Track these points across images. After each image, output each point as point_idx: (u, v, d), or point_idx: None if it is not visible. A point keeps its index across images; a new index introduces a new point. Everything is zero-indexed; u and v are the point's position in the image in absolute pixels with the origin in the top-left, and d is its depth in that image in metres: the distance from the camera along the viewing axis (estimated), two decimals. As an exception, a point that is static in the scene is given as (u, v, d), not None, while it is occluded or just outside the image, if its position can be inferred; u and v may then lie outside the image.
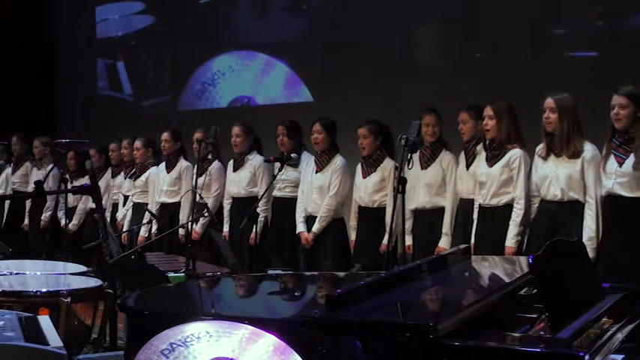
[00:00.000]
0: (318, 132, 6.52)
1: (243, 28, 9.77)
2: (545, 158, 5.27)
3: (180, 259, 5.86)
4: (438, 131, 6.03)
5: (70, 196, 8.56)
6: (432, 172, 5.98)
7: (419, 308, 3.17)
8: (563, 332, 2.66)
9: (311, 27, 9.20)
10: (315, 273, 5.20)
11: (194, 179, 6.75)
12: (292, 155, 6.33)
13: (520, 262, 3.99)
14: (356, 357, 2.66)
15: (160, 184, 7.72)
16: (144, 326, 3.06)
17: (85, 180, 8.16)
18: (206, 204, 6.66)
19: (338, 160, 6.49)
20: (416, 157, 5.78)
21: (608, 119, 4.98)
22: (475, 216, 5.62)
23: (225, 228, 7.14)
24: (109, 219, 8.11)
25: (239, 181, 7.10)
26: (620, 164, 4.92)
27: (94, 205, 7.24)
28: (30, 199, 9.08)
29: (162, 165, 7.80)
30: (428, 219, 5.99)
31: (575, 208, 5.13)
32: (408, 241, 5.98)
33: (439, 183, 5.97)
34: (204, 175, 7.25)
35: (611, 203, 5.00)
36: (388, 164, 6.21)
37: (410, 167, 5.26)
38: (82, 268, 5.35)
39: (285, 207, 6.78)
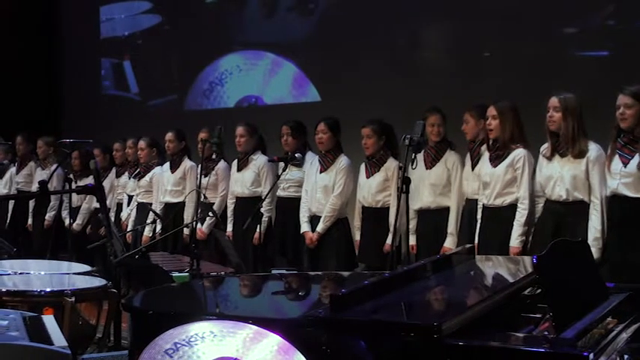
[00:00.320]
0: (322, 132, 6.52)
1: (251, 28, 9.75)
2: (549, 158, 5.26)
3: (185, 258, 5.86)
4: (442, 131, 6.03)
5: (74, 196, 8.57)
6: (437, 172, 5.98)
7: (423, 308, 3.17)
8: (568, 332, 2.65)
9: (319, 26, 9.17)
10: (320, 273, 5.20)
11: (198, 179, 6.75)
12: (296, 155, 6.32)
13: (524, 262, 3.99)
14: (360, 357, 2.66)
15: (164, 184, 7.72)
16: (148, 326, 3.07)
17: (89, 180, 8.18)
18: (211, 204, 6.67)
19: (342, 160, 6.49)
20: (420, 157, 5.77)
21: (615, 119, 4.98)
22: (479, 216, 5.62)
23: (229, 228, 7.15)
24: (113, 219, 8.12)
25: (243, 181, 7.10)
26: (625, 164, 4.91)
27: (98, 205, 7.25)
28: (34, 199, 9.09)
29: (167, 165, 7.81)
30: (432, 219, 6.00)
31: (580, 209, 5.12)
32: (412, 241, 5.99)
33: (444, 183, 5.97)
34: (210, 175, 7.25)
35: (616, 203, 4.99)
36: (392, 164, 6.21)
37: (414, 167, 5.26)
38: (87, 268, 5.36)
39: (289, 207, 6.78)
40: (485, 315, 2.86)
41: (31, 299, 4.26)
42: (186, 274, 5.23)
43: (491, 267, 4.11)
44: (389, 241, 5.99)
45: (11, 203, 9.40)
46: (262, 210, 6.59)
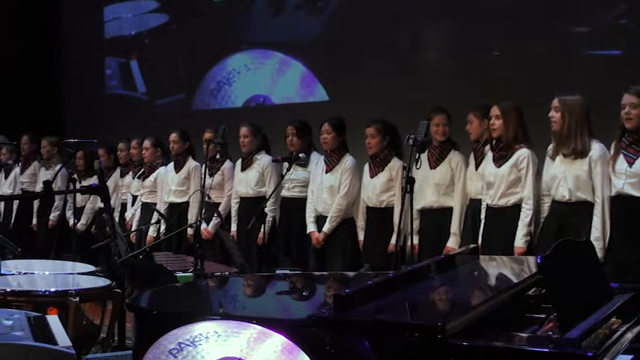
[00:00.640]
0: (327, 132, 6.52)
1: (259, 27, 9.72)
2: (553, 158, 5.26)
3: (189, 258, 5.87)
4: (447, 131, 6.03)
5: (79, 196, 8.57)
6: (441, 172, 5.98)
7: (427, 308, 3.17)
8: (572, 332, 2.65)
9: (327, 25, 9.13)
10: (324, 273, 5.20)
11: (203, 179, 6.75)
12: (300, 155, 6.32)
13: (528, 262, 3.98)
14: (364, 357, 2.66)
15: (169, 184, 7.73)
16: (152, 326, 3.07)
17: (93, 180, 8.17)
18: (217, 204, 6.67)
19: (348, 160, 6.49)
20: (424, 156, 5.77)
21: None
22: (482, 216, 5.62)
23: (233, 227, 7.15)
24: (117, 219, 8.12)
25: (247, 181, 7.10)
26: (630, 164, 4.90)
27: (102, 205, 7.25)
28: (38, 199, 9.09)
29: (171, 165, 7.81)
30: (435, 218, 5.99)
31: (584, 209, 5.11)
32: (414, 240, 5.98)
33: (447, 183, 5.97)
34: (216, 175, 7.26)
35: (620, 203, 4.98)
36: (395, 164, 6.21)
37: (418, 167, 5.26)
38: (91, 268, 5.37)
39: (293, 207, 6.78)
40: (489, 315, 2.86)
41: (36, 299, 4.27)
42: (190, 274, 5.23)
43: (495, 267, 4.11)
44: (393, 241, 5.99)
45: (16, 203, 9.40)
46: (266, 210, 6.60)
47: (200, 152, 7.62)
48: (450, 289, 3.52)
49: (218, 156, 7.27)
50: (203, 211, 6.46)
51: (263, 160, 7.08)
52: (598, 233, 5.01)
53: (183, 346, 2.49)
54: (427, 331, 2.60)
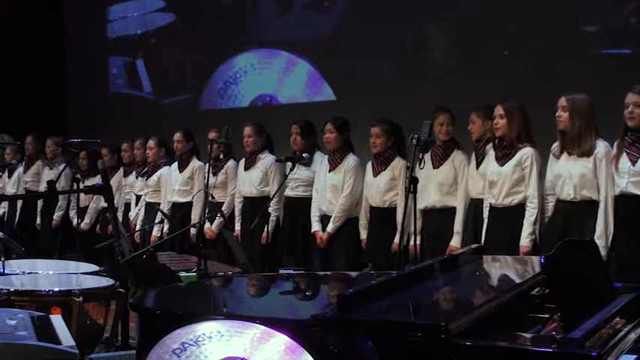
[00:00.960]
0: (329, 131, 6.52)
1: (266, 26, 9.71)
2: (558, 157, 5.25)
3: (192, 258, 5.87)
4: (451, 130, 6.03)
5: (82, 196, 8.59)
6: (445, 171, 5.97)
7: (430, 308, 3.17)
8: (576, 332, 2.65)
9: (334, 25, 9.09)
10: (327, 273, 5.20)
11: (206, 179, 6.76)
12: (304, 155, 6.32)
13: (532, 262, 3.98)
14: (367, 357, 2.66)
15: (173, 184, 7.73)
16: (156, 325, 3.07)
17: (96, 179, 8.18)
18: (220, 203, 6.67)
19: (350, 160, 6.49)
20: (427, 156, 5.76)
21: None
22: (485, 215, 5.61)
23: (237, 227, 7.15)
24: (120, 218, 8.13)
25: (251, 181, 7.11)
26: (634, 163, 4.90)
27: (106, 205, 7.26)
28: (42, 199, 9.11)
29: (175, 165, 7.81)
30: (438, 218, 5.98)
31: (589, 208, 5.10)
32: (417, 240, 5.96)
33: (451, 182, 5.96)
34: (219, 174, 7.25)
35: (624, 202, 4.98)
36: (398, 163, 6.21)
37: (421, 167, 5.26)
38: (94, 268, 5.37)
39: (297, 206, 6.78)
40: (492, 315, 2.86)
41: (39, 299, 4.27)
42: (194, 273, 5.24)
43: (499, 267, 4.11)
44: (396, 240, 5.99)
45: (19, 203, 9.42)
46: (270, 210, 6.60)
47: (205, 152, 7.62)
48: (453, 289, 3.52)
49: (222, 156, 7.27)
50: (206, 210, 6.47)
51: (266, 159, 7.08)
52: (601, 232, 5.01)
53: (186, 345, 2.49)
54: (431, 330, 2.59)
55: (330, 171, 6.52)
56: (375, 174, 6.29)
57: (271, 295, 4.00)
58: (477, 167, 5.77)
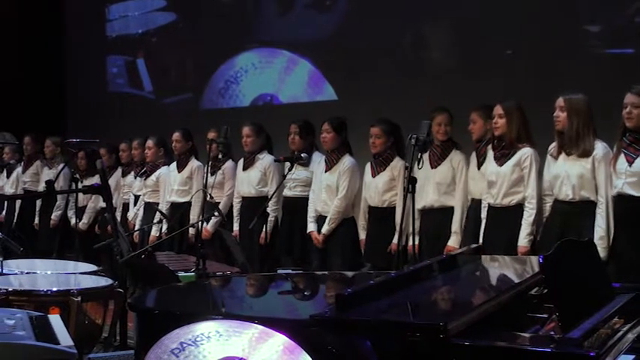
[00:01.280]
0: (326, 131, 6.52)
1: (267, 25, 9.70)
2: (556, 157, 5.25)
3: (191, 258, 5.86)
4: (449, 131, 6.03)
5: (81, 195, 8.57)
6: (443, 171, 5.97)
7: (429, 308, 3.17)
8: (574, 332, 2.65)
9: (335, 24, 9.08)
10: (325, 273, 5.20)
11: (205, 179, 6.76)
12: (302, 155, 6.32)
13: (531, 261, 3.98)
14: (366, 357, 2.66)
15: (171, 184, 7.73)
16: (154, 325, 3.07)
17: (95, 179, 8.18)
18: (217, 203, 6.67)
19: (346, 161, 6.48)
20: (426, 156, 5.76)
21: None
22: (484, 215, 5.61)
23: (235, 227, 7.15)
24: (119, 218, 8.13)
25: (249, 181, 7.10)
26: (630, 163, 4.90)
27: (104, 205, 7.26)
28: (41, 199, 9.10)
29: (174, 165, 7.81)
30: (436, 218, 5.98)
31: (587, 208, 5.10)
32: (416, 240, 5.96)
33: (449, 182, 5.96)
34: (217, 174, 7.25)
35: (621, 203, 4.98)
36: (397, 163, 6.21)
37: (420, 167, 5.26)
38: (93, 268, 5.37)
39: (295, 206, 6.78)
40: (491, 315, 2.86)
41: (38, 299, 4.28)
42: (192, 273, 5.24)
43: (497, 267, 4.11)
44: (395, 240, 5.99)
45: (18, 203, 9.41)
46: (268, 210, 6.59)
47: (205, 152, 7.61)
48: (452, 289, 3.52)
49: (220, 155, 7.27)
50: (205, 210, 6.47)
51: (265, 159, 7.08)
52: (602, 232, 5.01)
53: (185, 345, 2.49)
54: (429, 330, 2.59)
55: (326, 171, 6.52)
56: (374, 174, 6.28)
57: (270, 295, 4.00)
58: (479, 168, 5.76)
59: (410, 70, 8.31)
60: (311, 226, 6.55)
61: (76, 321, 4.23)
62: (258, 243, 6.81)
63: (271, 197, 6.68)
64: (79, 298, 4.28)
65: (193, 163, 7.69)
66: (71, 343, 2.68)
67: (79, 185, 7.67)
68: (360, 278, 4.28)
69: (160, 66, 11.01)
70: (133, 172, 8.44)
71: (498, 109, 5.50)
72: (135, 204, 8.29)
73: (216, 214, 6.23)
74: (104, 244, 5.54)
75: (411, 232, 5.59)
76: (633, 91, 4.92)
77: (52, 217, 9.04)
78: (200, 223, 6.46)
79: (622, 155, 4.96)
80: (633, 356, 2.78)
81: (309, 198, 6.68)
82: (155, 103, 11.05)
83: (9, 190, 9.55)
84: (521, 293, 3.24)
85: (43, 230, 9.12)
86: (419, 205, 5.90)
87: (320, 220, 6.51)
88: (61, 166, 8.36)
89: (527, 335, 2.78)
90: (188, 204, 7.52)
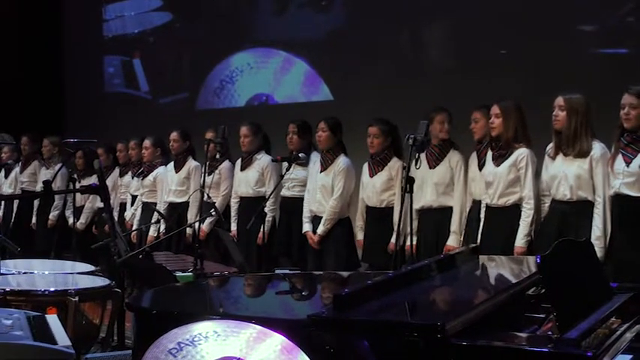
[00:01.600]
0: (322, 130, 6.52)
1: (263, 25, 9.70)
2: (554, 157, 5.25)
3: (188, 258, 5.86)
4: (450, 129, 6.01)
5: (78, 195, 8.58)
6: (441, 171, 5.96)
7: (427, 308, 3.17)
8: (572, 332, 2.65)
9: (331, 24, 9.08)
10: (323, 273, 5.20)
11: (202, 179, 6.76)
12: (300, 155, 6.32)
13: (528, 261, 3.98)
14: (363, 356, 2.66)
15: (169, 184, 7.73)
16: (152, 325, 3.07)
17: (93, 179, 8.17)
18: (214, 203, 6.66)
19: (341, 162, 6.47)
20: (423, 156, 5.76)
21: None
22: (482, 215, 5.61)
23: (233, 227, 7.15)
24: (116, 218, 8.12)
25: (247, 181, 7.10)
26: (628, 164, 4.91)
27: (102, 205, 7.25)
28: (38, 199, 9.09)
29: (171, 165, 7.80)
30: (434, 218, 5.97)
31: (584, 208, 5.11)
32: (414, 240, 5.95)
33: (447, 182, 5.95)
34: (213, 174, 7.25)
35: (618, 203, 4.99)
36: (395, 164, 6.21)
37: (418, 167, 5.25)
38: (90, 268, 5.36)
39: (293, 206, 6.78)
40: (489, 315, 2.86)
41: (35, 299, 4.27)
42: (190, 273, 5.24)
43: (495, 267, 4.11)
44: (393, 240, 5.99)
45: (16, 203, 9.40)
46: (266, 210, 6.60)
47: (202, 152, 7.61)
48: (449, 289, 3.52)
49: (218, 156, 7.26)
50: (202, 210, 6.46)
51: (263, 159, 7.08)
52: (599, 232, 5.01)
53: (182, 345, 2.49)
54: (427, 330, 2.59)
55: (321, 171, 6.52)
56: (372, 174, 6.28)
57: (267, 295, 4.00)
58: (480, 169, 5.74)
59: (406, 70, 8.31)
60: (306, 227, 6.55)
61: (73, 321, 4.22)
62: (255, 243, 6.82)
63: (269, 197, 6.68)
64: (77, 298, 4.27)
65: (191, 163, 7.69)
66: (69, 343, 2.67)
67: (77, 185, 7.68)
68: (358, 278, 4.28)
69: (156, 66, 11.01)
70: (130, 172, 8.43)
71: (495, 109, 5.50)
72: (132, 204, 8.29)
73: (213, 213, 6.22)
74: (102, 244, 5.53)
75: (409, 232, 5.59)
76: (631, 92, 4.92)
77: (50, 217, 9.03)
78: (198, 223, 6.46)
79: (620, 155, 4.96)
80: (631, 356, 2.78)
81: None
82: (151, 103, 11.05)
83: (7, 190, 9.54)
84: (518, 293, 3.24)
85: (41, 230, 9.11)
86: (417, 205, 5.90)
87: (315, 220, 6.51)
88: (59, 166, 8.35)
89: (524, 335, 2.78)
90: (186, 204, 7.52)
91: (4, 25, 11.39)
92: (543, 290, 3.16)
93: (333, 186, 6.43)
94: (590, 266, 3.30)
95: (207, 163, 6.80)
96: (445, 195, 5.97)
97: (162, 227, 7.53)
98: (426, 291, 3.35)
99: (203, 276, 5.11)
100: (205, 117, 9.55)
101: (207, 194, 6.69)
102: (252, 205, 6.81)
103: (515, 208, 5.42)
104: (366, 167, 6.36)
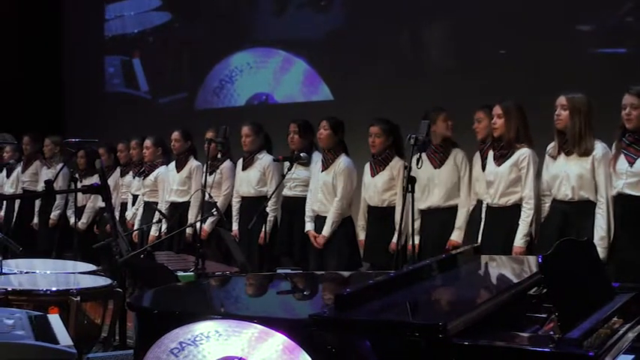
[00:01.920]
0: (323, 128, 6.51)
1: (262, 25, 9.70)
2: (555, 157, 5.25)
3: (190, 258, 5.87)
4: (452, 126, 6.01)
5: (80, 195, 8.58)
6: (448, 170, 5.92)
7: (428, 308, 3.17)
8: (573, 332, 2.65)
9: (331, 24, 9.08)
10: (325, 272, 5.20)
11: (204, 179, 6.76)
12: (301, 154, 6.31)
13: (529, 261, 3.98)
14: (365, 356, 2.66)
15: (170, 184, 7.72)
16: (153, 325, 3.07)
17: (94, 179, 8.18)
18: (215, 203, 6.67)
19: (342, 162, 6.47)
20: (425, 156, 5.74)
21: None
22: (483, 215, 5.60)
23: (235, 227, 7.15)
24: (117, 218, 8.12)
25: (248, 181, 7.11)
26: (631, 164, 4.90)
27: (103, 204, 7.26)
28: (40, 198, 9.10)
29: (172, 164, 7.80)
30: (441, 217, 5.95)
31: (586, 208, 5.10)
32: (416, 240, 5.95)
33: (455, 181, 5.92)
34: (214, 174, 7.25)
35: (621, 203, 4.98)
36: (397, 163, 6.21)
37: (419, 167, 5.25)
38: (92, 267, 5.37)
39: (295, 206, 6.77)
40: (490, 315, 2.86)
41: (37, 298, 4.28)
42: (192, 273, 5.24)
43: (497, 267, 4.11)
44: (395, 240, 5.98)
45: (17, 202, 9.41)
46: (267, 209, 6.59)
47: (202, 151, 7.61)
48: (451, 289, 3.52)
49: (219, 155, 7.26)
50: (204, 210, 6.46)
51: (264, 159, 7.08)
52: (603, 233, 5.00)
53: (184, 345, 2.49)
54: (428, 330, 2.59)
55: (322, 170, 6.52)
56: (374, 174, 6.28)
57: (269, 294, 4.00)
58: (483, 169, 5.73)
59: (406, 70, 8.31)
60: (308, 226, 6.55)
61: (75, 321, 4.23)
62: (257, 243, 6.82)
63: (270, 197, 6.68)
64: (79, 298, 4.28)
65: (192, 163, 7.69)
66: (70, 342, 2.68)
67: (78, 185, 7.68)
68: (360, 278, 4.28)
69: (156, 66, 11.01)
70: (131, 172, 8.44)
71: (497, 110, 5.49)
72: (133, 204, 8.29)
73: (214, 212, 6.22)
74: (103, 243, 5.54)
75: (410, 231, 5.58)
76: (632, 92, 4.92)
77: (51, 216, 9.03)
78: (200, 222, 6.45)
79: (622, 156, 4.96)
80: (633, 356, 2.77)
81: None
82: (151, 103, 11.05)
83: (9, 189, 9.55)
84: (520, 293, 3.24)
85: (42, 230, 9.12)
86: (424, 206, 5.90)
87: (317, 219, 6.50)
88: (60, 165, 8.36)
89: (526, 335, 2.79)
90: (187, 204, 7.51)
91: (4, 25, 11.40)
92: (545, 290, 3.16)
93: (334, 185, 6.43)
94: (591, 266, 3.29)
95: (209, 162, 6.80)
96: (453, 194, 5.95)
97: (164, 227, 7.53)
98: (427, 291, 3.35)
99: (204, 276, 5.11)
100: (205, 117, 9.55)
101: (209, 194, 6.69)
102: (253, 205, 6.81)
103: (516, 208, 5.41)
104: (367, 167, 6.36)
